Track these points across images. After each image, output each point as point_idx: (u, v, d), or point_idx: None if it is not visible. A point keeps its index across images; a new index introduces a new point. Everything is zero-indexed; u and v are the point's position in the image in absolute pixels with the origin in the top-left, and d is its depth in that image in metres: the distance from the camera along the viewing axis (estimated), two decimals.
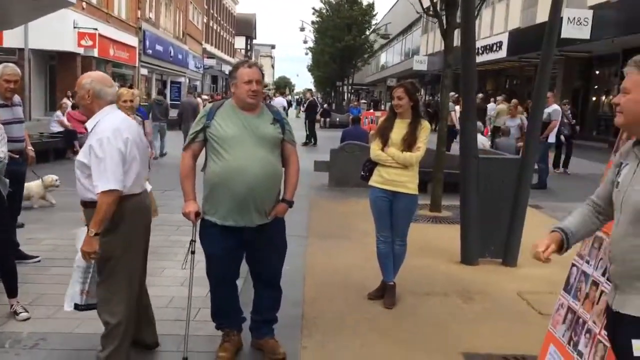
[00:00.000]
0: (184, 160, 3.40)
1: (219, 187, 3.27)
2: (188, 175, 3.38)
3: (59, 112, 13.59)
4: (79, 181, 3.13)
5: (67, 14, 19.73)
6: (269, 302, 3.64)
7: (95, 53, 22.94)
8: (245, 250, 3.49)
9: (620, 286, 2.07)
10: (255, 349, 3.62)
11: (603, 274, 2.78)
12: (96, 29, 22.42)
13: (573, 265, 3.15)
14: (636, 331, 1.97)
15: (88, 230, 3.01)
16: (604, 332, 2.64)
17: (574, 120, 13.93)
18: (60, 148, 12.80)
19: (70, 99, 15.78)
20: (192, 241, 3.41)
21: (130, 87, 21.55)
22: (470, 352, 3.69)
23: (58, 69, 22.71)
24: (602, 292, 2.77)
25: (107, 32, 24.37)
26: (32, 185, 7.29)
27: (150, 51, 31.41)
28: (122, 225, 3.09)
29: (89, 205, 3.10)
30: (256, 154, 3.27)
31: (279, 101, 20.19)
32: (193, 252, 3.41)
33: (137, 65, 29.98)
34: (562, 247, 2.28)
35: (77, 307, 3.35)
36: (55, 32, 20.31)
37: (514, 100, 14.01)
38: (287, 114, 20.61)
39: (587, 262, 3.00)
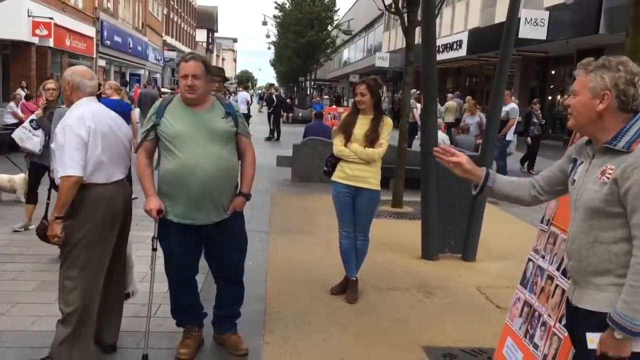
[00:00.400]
0: (138, 160, 3.33)
1: (173, 185, 3.23)
2: (145, 174, 3.32)
3: (12, 104, 13.12)
4: (53, 166, 3.27)
5: (21, 2, 19.05)
6: (230, 298, 3.62)
7: (51, 43, 22.24)
8: (204, 247, 3.46)
9: (578, 282, 2.15)
10: (218, 344, 3.60)
11: (558, 269, 2.87)
12: (52, 18, 21.73)
13: (529, 260, 3.25)
14: (590, 324, 2.04)
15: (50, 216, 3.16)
16: (558, 325, 2.73)
17: (544, 120, 14.26)
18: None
19: (25, 89, 15.28)
20: (154, 238, 3.35)
21: None
22: (431, 345, 3.76)
23: (12, 58, 21.91)
24: (556, 285, 2.85)
25: (63, 21, 23.65)
26: (16, 179, 7.11)
27: (108, 42, 30.65)
28: (82, 213, 3.11)
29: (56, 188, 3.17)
30: (209, 150, 3.22)
31: (243, 95, 20.01)
32: (155, 249, 3.37)
33: (94, 56, 29.21)
34: (481, 180, 2.52)
35: None
36: (8, 20, 19.57)
37: (468, 97, 14.29)
38: (249, 109, 20.52)
39: (543, 257, 3.09)
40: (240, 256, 3.59)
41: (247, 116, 19.36)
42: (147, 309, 3.40)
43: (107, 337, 3.44)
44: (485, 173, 2.45)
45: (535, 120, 12.27)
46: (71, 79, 3.25)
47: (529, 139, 12.41)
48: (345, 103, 35.56)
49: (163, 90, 26.68)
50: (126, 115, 8.16)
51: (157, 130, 3.26)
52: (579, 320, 2.12)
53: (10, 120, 12.59)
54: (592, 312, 2.03)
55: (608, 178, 1.95)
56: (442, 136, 10.47)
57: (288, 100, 32.20)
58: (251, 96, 27.33)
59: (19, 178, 7.15)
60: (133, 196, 3.77)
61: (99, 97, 8.44)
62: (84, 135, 3.05)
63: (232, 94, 23.03)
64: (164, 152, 3.28)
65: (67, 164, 3.01)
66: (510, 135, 11.38)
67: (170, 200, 3.27)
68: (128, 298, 3.73)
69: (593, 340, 2.01)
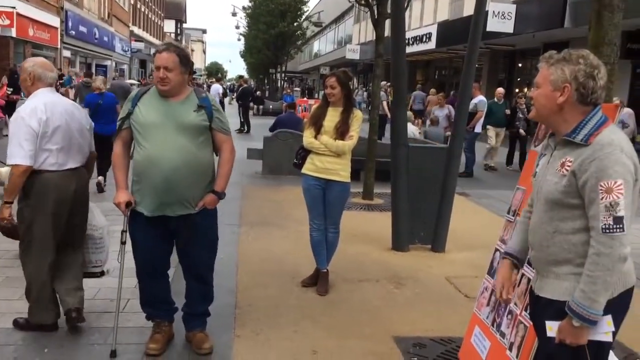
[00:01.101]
0: (114, 149, 3.32)
1: (142, 176, 3.22)
2: (119, 164, 3.31)
3: None
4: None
5: None
6: (197, 296, 3.55)
7: (13, 33, 21.60)
8: (174, 241, 3.42)
9: (539, 271, 2.20)
10: (186, 341, 3.56)
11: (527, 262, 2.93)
12: (14, 8, 21.08)
13: (496, 250, 3.30)
14: (549, 313, 2.10)
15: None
16: (524, 314, 2.79)
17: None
18: None
19: None
20: (123, 231, 3.34)
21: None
22: (401, 335, 3.80)
23: None
24: (522, 275, 2.91)
25: (26, 11, 22.98)
26: (2, 171, 6.90)
27: (73, 32, 29.91)
28: (31, 197, 3.37)
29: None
30: (175, 142, 3.15)
31: (215, 88, 19.78)
32: (123, 243, 3.33)
33: (59, 46, 28.50)
34: (516, 268, 2.43)
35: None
36: None
37: (432, 90, 14.37)
38: (223, 101, 20.29)
39: None
40: (209, 255, 3.50)
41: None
42: (116, 304, 3.36)
43: (70, 300, 3.55)
44: (512, 259, 2.42)
45: (521, 115, 12.03)
46: (33, 70, 3.42)
47: (522, 131, 11.88)
48: (316, 95, 35.52)
49: (129, 82, 26.16)
50: (112, 107, 8.09)
51: (131, 119, 3.23)
52: (539, 309, 2.18)
53: None
54: (552, 300, 2.09)
55: (567, 170, 2.00)
56: (412, 128, 10.55)
57: (258, 93, 31.99)
58: (225, 89, 27.02)
59: (5, 170, 6.95)
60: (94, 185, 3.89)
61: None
62: (34, 127, 3.26)
63: (204, 86, 22.78)
64: (136, 142, 3.26)
65: (17, 154, 3.23)
66: (478, 128, 11.53)
67: (140, 191, 3.26)
68: (103, 275, 3.97)
69: (552, 328, 2.06)
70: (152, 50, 52.18)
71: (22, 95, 11.95)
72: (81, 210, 3.63)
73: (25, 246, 3.49)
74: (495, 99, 12.32)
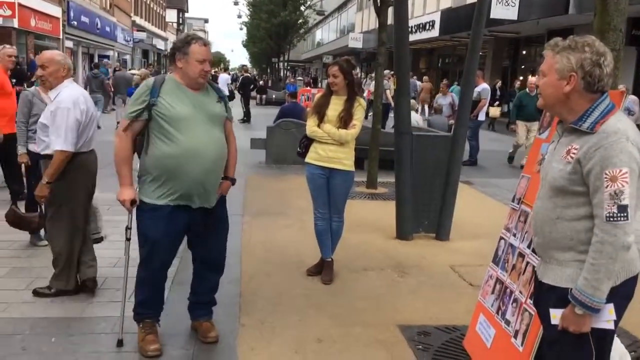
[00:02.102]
0: (122, 141, 3.15)
1: (173, 169, 3.10)
2: (127, 158, 3.18)
3: None
4: (40, 139, 3.97)
5: None
6: (209, 285, 3.56)
7: (15, 23, 21.56)
8: (190, 233, 3.36)
9: (542, 257, 2.20)
10: (191, 330, 3.55)
11: (528, 246, 2.93)
12: None
13: (501, 238, 3.30)
14: (551, 299, 2.10)
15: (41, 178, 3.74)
16: (529, 301, 2.79)
17: None
18: None
19: None
20: (128, 228, 3.30)
21: None
22: (405, 324, 3.81)
23: None
24: (527, 263, 2.91)
25: (27, 1, 22.90)
26: None
27: (75, 23, 29.83)
28: (67, 176, 3.77)
29: (43, 157, 3.93)
30: (211, 134, 3.19)
31: (224, 77, 19.69)
32: (129, 239, 3.31)
33: (61, 37, 28.45)
34: None
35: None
36: None
37: (425, 77, 14.24)
38: (233, 92, 20.22)
39: (514, 235, 3.15)
40: (225, 241, 3.55)
41: (231, 98, 19.17)
42: (122, 294, 3.38)
43: (89, 272, 4.07)
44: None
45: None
46: (66, 62, 3.89)
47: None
48: (320, 84, 35.43)
49: (132, 72, 26.10)
50: None
51: (153, 111, 3.09)
52: (542, 295, 2.19)
53: None
54: (554, 287, 2.09)
55: (572, 158, 2.00)
56: (415, 117, 10.52)
57: (261, 82, 31.88)
58: (232, 78, 26.84)
59: None
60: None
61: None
62: (78, 117, 3.74)
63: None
64: (158, 135, 3.11)
65: (64, 141, 3.67)
66: (482, 116, 11.48)
67: (164, 185, 3.13)
68: (101, 241, 4.37)
69: (556, 316, 2.07)
70: (155, 40, 52.15)
71: (25, 86, 11.95)
72: (95, 184, 4.11)
73: (58, 221, 3.89)
74: (527, 90, 11.36)
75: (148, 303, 3.38)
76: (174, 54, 3.20)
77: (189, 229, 3.31)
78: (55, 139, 3.70)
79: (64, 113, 3.68)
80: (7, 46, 6.58)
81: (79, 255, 4.02)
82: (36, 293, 3.98)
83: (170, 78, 3.22)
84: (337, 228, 4.62)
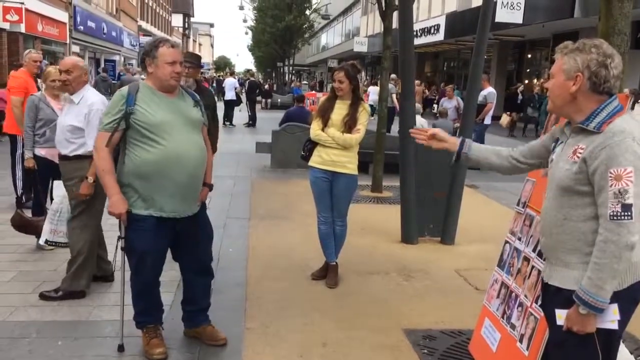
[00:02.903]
0: (103, 153, 3.07)
1: (155, 176, 3.06)
2: (110, 169, 3.09)
3: None
4: (68, 141, 4.01)
5: None
6: (202, 290, 3.51)
7: (22, 29, 21.70)
8: (174, 242, 3.29)
9: (549, 259, 2.20)
10: (190, 337, 3.51)
11: (534, 250, 2.93)
12: (22, 3, 21.17)
13: (506, 242, 3.30)
14: (559, 301, 2.10)
15: (87, 177, 3.89)
16: (535, 305, 2.78)
17: None
18: None
19: None
20: (121, 238, 3.19)
21: None
22: (411, 328, 3.81)
23: None
24: (533, 267, 2.91)
25: (34, 6, 23.07)
26: None
27: (81, 27, 30.02)
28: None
29: (72, 159, 4.03)
30: (191, 139, 3.16)
31: (231, 82, 19.71)
32: (123, 249, 3.21)
33: (68, 42, 28.62)
34: (458, 149, 2.56)
35: (46, 242, 4.44)
36: None
37: (417, 82, 14.13)
38: (240, 95, 20.25)
39: (519, 239, 3.14)
40: (210, 244, 3.52)
41: (237, 102, 19.21)
42: (120, 298, 3.38)
43: (109, 268, 4.33)
44: (461, 141, 2.49)
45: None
46: (86, 68, 4.13)
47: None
48: (325, 88, 35.47)
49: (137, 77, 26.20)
50: None
51: (131, 120, 3.04)
52: (548, 297, 2.19)
53: None
54: (561, 289, 2.09)
55: (578, 157, 2.01)
56: (420, 120, 10.51)
57: (266, 86, 31.92)
58: (240, 82, 26.77)
59: None
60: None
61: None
62: None
63: (212, 81, 22.69)
64: (137, 143, 3.06)
65: None
66: (488, 120, 11.46)
67: (148, 194, 3.08)
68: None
69: (561, 316, 2.07)
70: None
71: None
72: None
73: (85, 219, 4.04)
74: None
75: (147, 311, 3.36)
76: (144, 59, 3.16)
77: (174, 239, 3.26)
78: (92, 139, 3.81)
79: (98, 114, 3.84)
80: (33, 51, 6.69)
81: (99, 253, 4.26)
82: (43, 297, 4.01)
83: (143, 84, 3.17)
84: (340, 232, 4.62)
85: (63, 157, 4.11)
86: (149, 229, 3.11)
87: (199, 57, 5.22)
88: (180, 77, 3.19)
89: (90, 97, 4.04)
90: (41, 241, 4.51)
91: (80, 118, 3.98)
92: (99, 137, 3.12)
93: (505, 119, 16.65)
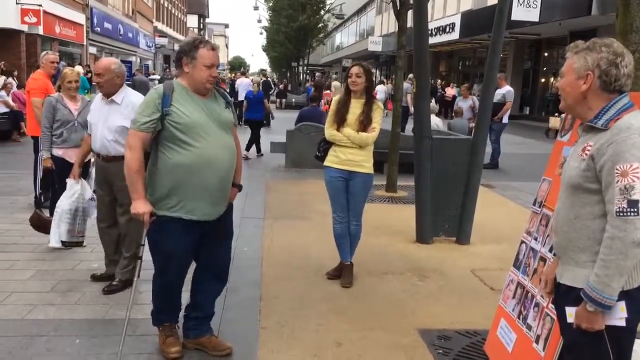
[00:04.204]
0: (135, 153, 3.00)
1: (187, 179, 3.00)
2: (141, 170, 3.03)
3: (3, 92, 12.99)
4: (118, 142, 4.02)
5: None
6: (215, 296, 3.46)
7: (40, 30, 21.99)
8: (200, 243, 3.25)
9: (561, 257, 2.20)
10: (192, 349, 3.37)
11: (550, 250, 2.90)
12: (40, 5, 21.45)
13: (522, 242, 3.27)
14: (570, 300, 2.10)
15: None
16: (551, 306, 2.76)
17: None
18: (5, 130, 12.29)
19: (15, 79, 15.13)
20: (141, 245, 3.14)
21: (81, 65, 20.86)
22: (425, 328, 3.79)
23: (1, 47, 21.67)
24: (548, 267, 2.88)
25: (52, 8, 23.37)
26: None
27: (98, 29, 30.35)
28: None
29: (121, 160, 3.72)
30: (223, 141, 3.13)
31: (245, 82, 19.77)
32: (140, 258, 3.15)
33: (85, 43, 28.95)
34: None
35: (63, 243, 4.52)
36: None
37: (410, 75, 13.99)
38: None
39: (535, 238, 3.12)
40: (230, 248, 3.48)
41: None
42: (126, 314, 3.41)
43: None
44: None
45: None
46: (120, 71, 4.16)
47: None
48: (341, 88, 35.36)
49: (153, 77, 26.42)
50: (261, 101, 12.27)
51: (166, 121, 2.97)
52: (560, 296, 2.18)
53: (2, 109, 12.50)
54: (572, 287, 2.09)
55: (587, 154, 2.02)
56: (435, 120, 10.47)
57: (281, 86, 31.97)
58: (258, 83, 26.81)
59: None
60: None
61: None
62: None
63: (227, 82, 22.73)
64: (170, 145, 3.00)
65: None
66: (506, 119, 11.37)
67: (179, 196, 3.03)
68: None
69: (571, 314, 2.07)
70: (176, 46, 52.67)
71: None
72: None
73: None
74: None
75: (165, 309, 3.34)
76: (181, 57, 3.08)
77: (201, 239, 3.22)
78: None
79: None
80: (50, 52, 6.79)
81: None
82: (109, 291, 4.15)
83: (177, 84, 3.08)
84: (355, 232, 4.62)
85: (113, 159, 4.06)
86: (177, 231, 3.07)
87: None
88: (214, 81, 3.13)
89: (130, 98, 4.09)
90: (54, 244, 4.47)
91: (128, 118, 3.95)
92: (134, 136, 3.02)
93: (556, 121, 16.10)
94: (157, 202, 3.07)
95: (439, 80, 23.81)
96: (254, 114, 12.07)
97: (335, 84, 19.65)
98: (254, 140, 11.85)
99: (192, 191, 3.03)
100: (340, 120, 4.42)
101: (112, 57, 4.39)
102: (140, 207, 3.02)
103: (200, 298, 3.40)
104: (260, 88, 13.71)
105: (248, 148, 11.55)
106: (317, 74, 35.38)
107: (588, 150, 2.01)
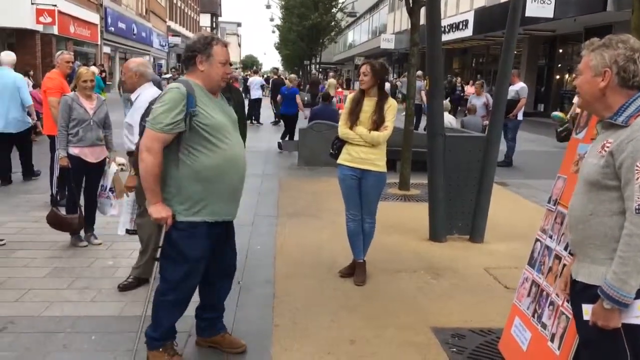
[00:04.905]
0: (157, 157, 2.84)
1: (214, 181, 2.93)
2: (158, 174, 2.88)
3: None
4: (127, 137, 4.25)
5: None
6: (226, 294, 3.41)
7: (55, 30, 22.23)
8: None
9: (577, 255, 2.19)
10: (206, 347, 3.38)
11: (565, 248, 2.88)
12: (55, 5, 21.68)
13: (537, 240, 3.25)
14: (585, 296, 2.08)
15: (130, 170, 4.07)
16: (566, 304, 2.74)
17: None
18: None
19: (31, 78, 15.30)
20: (159, 247, 3.03)
21: (95, 64, 21.02)
22: (439, 326, 3.78)
23: (17, 46, 21.92)
24: (564, 265, 2.86)
25: (66, 8, 23.61)
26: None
27: (112, 29, 30.61)
28: None
29: (132, 154, 4.02)
30: (238, 138, 3.10)
31: (257, 80, 19.81)
32: (157, 259, 3.05)
33: (99, 43, 29.21)
34: None
35: (127, 231, 4.54)
36: (12, 8, 19.59)
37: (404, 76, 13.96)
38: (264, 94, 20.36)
39: (550, 236, 3.10)
40: (235, 244, 3.42)
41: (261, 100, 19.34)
42: (140, 322, 3.43)
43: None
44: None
45: None
46: (137, 69, 4.31)
47: None
48: (352, 86, 35.43)
49: (166, 76, 26.52)
50: (294, 96, 13.28)
51: (193, 122, 2.85)
52: (576, 293, 2.17)
53: None
54: (588, 285, 2.07)
55: (606, 151, 2.00)
56: (448, 118, 10.42)
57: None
58: (266, 80, 26.79)
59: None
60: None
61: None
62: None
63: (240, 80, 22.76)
64: (195, 147, 2.89)
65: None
66: (520, 115, 11.29)
67: (202, 199, 2.94)
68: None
69: (588, 311, 2.05)
70: None
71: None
72: None
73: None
74: None
75: (172, 327, 3.15)
76: (194, 56, 2.95)
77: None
78: (133, 138, 4.07)
79: (139, 112, 3.90)
80: (65, 52, 6.88)
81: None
82: (124, 288, 4.22)
83: (194, 84, 2.95)
84: (369, 230, 4.62)
85: (130, 153, 4.23)
86: (202, 236, 3.00)
87: None
88: (227, 79, 3.13)
89: (140, 97, 4.20)
90: (121, 231, 4.57)
91: (133, 115, 4.13)
92: (155, 138, 2.83)
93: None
94: (179, 207, 2.95)
95: (459, 78, 23.62)
96: (287, 109, 13.20)
97: (331, 81, 20.26)
98: (287, 132, 12.95)
99: (217, 193, 2.97)
100: (354, 119, 4.42)
101: (140, 58, 4.68)
102: (162, 211, 2.91)
103: (212, 299, 3.34)
104: (269, 86, 14.29)
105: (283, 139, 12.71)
106: (331, 73, 35.22)
107: (607, 146, 2.00)
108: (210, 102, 2.99)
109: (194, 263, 3.03)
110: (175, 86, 2.91)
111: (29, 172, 8.01)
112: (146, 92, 4.21)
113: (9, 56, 7.68)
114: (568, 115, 13.28)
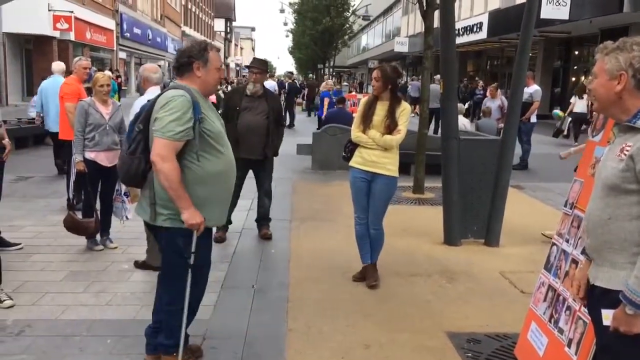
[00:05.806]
0: (173, 162, 2.79)
1: (215, 186, 2.95)
2: (180, 175, 2.83)
3: (36, 97, 13.29)
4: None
5: None
6: (203, 295, 3.28)
7: (72, 36, 22.52)
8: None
9: (595, 259, 2.15)
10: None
11: (582, 252, 2.84)
12: (72, 12, 21.98)
13: (553, 244, 3.22)
14: (605, 301, 2.05)
15: None
16: (583, 309, 2.71)
17: None
18: (38, 134, 12.57)
19: None
20: (193, 253, 2.96)
21: (110, 70, 21.22)
22: (454, 331, 3.76)
23: (34, 52, 22.24)
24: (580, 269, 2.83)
25: (83, 14, 23.92)
26: None
27: (128, 34, 30.94)
28: None
29: None
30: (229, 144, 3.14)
31: (272, 84, 19.88)
32: (191, 266, 2.98)
33: (115, 48, 29.53)
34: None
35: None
36: (30, 15, 19.88)
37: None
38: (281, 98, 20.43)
39: (567, 240, 3.06)
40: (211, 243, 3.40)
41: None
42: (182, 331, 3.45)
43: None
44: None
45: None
46: (142, 74, 4.78)
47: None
48: (366, 89, 35.41)
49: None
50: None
51: (201, 128, 2.85)
52: (595, 298, 2.13)
53: (35, 114, 12.77)
54: (608, 290, 2.04)
55: (625, 155, 1.97)
56: (463, 120, 10.36)
57: (307, 88, 32.02)
58: (279, 85, 26.84)
59: None
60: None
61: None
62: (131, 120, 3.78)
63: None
64: (200, 153, 2.87)
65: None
66: (534, 118, 11.20)
67: (209, 204, 2.95)
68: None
69: (608, 317, 2.02)
70: None
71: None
72: None
73: None
74: None
75: (186, 332, 3.13)
76: (191, 62, 2.94)
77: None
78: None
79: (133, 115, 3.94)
80: (83, 58, 6.98)
81: None
82: (144, 266, 4.69)
83: (195, 90, 2.94)
84: (375, 236, 4.57)
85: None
86: (205, 242, 3.08)
87: (265, 63, 5.31)
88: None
89: (140, 99, 4.43)
90: (130, 215, 4.91)
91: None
92: (168, 146, 2.78)
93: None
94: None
95: (480, 82, 23.44)
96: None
97: (328, 82, 21.07)
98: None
99: (216, 198, 2.99)
100: (367, 122, 4.41)
101: (150, 64, 5.15)
102: (196, 216, 2.86)
103: (194, 301, 3.15)
104: (286, 90, 14.40)
105: None
106: (348, 78, 35.26)
107: (627, 150, 1.97)
108: (209, 107, 3.04)
109: (198, 269, 3.03)
110: (180, 94, 2.86)
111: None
112: (145, 96, 4.43)
113: (59, 65, 8.65)
114: (566, 113, 14.43)
